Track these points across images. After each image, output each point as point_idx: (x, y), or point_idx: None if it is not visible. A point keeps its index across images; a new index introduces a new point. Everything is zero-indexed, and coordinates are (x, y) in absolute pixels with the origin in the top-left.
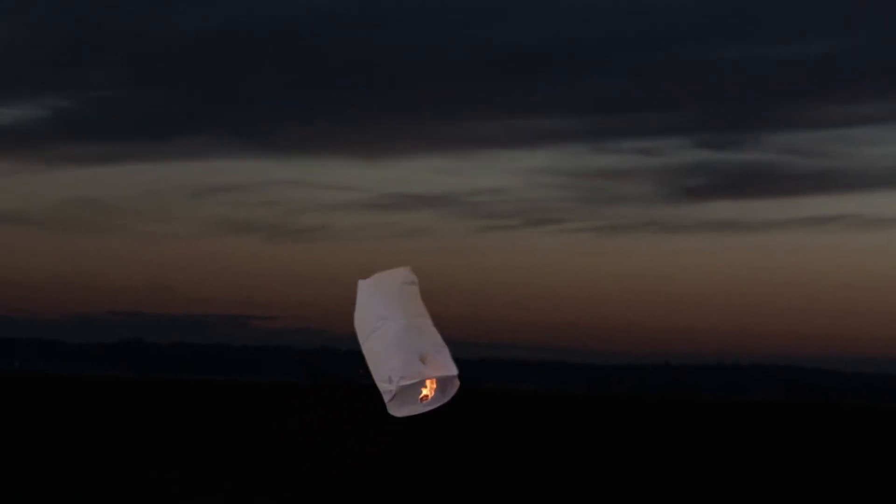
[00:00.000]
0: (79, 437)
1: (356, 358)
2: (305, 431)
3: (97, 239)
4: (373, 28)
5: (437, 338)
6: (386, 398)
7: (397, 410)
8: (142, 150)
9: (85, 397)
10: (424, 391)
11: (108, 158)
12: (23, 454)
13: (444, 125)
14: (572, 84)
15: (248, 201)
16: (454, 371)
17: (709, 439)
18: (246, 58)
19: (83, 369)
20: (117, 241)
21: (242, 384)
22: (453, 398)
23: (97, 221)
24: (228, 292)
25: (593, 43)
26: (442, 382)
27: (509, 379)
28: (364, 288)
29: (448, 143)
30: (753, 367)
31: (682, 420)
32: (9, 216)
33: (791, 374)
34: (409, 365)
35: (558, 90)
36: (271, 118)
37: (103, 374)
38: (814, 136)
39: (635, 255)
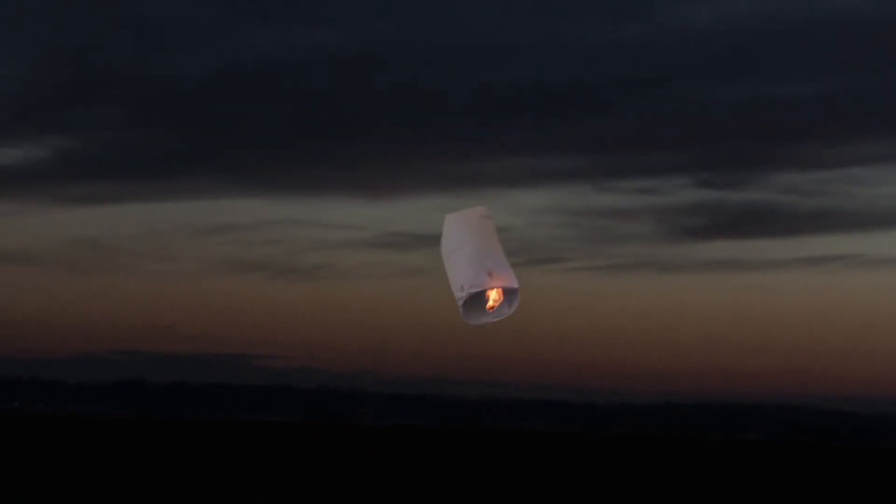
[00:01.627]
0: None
1: (358, 397)
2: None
3: (99, 278)
4: (374, 68)
5: (504, 259)
6: (459, 304)
7: (471, 318)
8: (144, 190)
9: (84, 435)
10: (491, 300)
11: (110, 198)
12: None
13: (445, 165)
14: (574, 124)
15: (250, 240)
16: (516, 284)
17: (710, 479)
18: (247, 97)
19: (83, 409)
20: (119, 280)
21: (244, 423)
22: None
23: (99, 261)
24: (230, 331)
25: (594, 82)
26: (507, 296)
27: (510, 418)
28: (449, 219)
29: (450, 182)
30: (754, 406)
31: (682, 459)
32: (11, 256)
33: (792, 414)
34: (478, 276)
35: (560, 130)
36: (273, 157)
37: (103, 413)
38: (815, 175)
39: (637, 294)
